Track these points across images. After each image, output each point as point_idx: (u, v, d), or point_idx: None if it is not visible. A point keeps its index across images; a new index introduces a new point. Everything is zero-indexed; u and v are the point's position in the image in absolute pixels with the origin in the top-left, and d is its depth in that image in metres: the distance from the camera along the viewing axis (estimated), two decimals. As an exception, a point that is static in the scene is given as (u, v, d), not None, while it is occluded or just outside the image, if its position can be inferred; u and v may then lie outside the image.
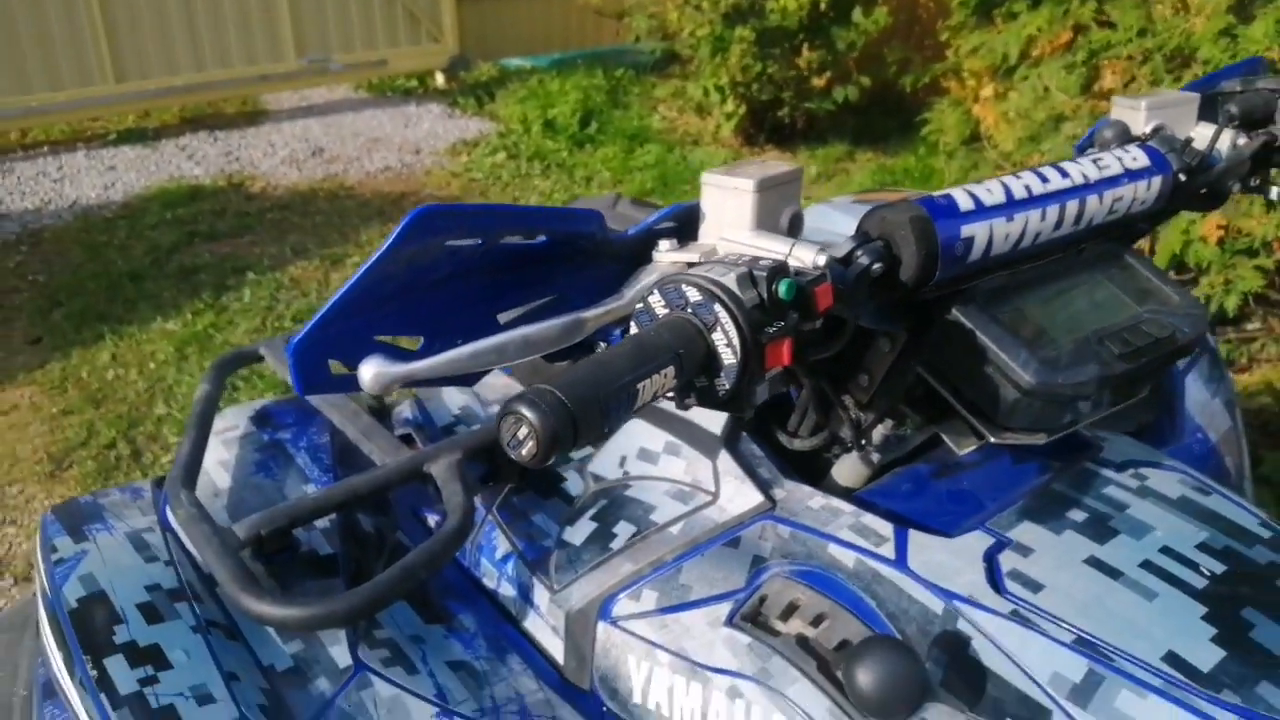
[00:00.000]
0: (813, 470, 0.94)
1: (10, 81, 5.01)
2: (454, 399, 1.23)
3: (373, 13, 5.98)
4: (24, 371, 3.13)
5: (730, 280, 0.52)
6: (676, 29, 4.88)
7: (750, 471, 0.87)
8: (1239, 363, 2.75)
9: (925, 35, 4.90)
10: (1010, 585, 0.71)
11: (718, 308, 0.51)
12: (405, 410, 1.24)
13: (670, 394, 0.53)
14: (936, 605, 0.71)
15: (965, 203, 0.66)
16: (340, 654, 0.82)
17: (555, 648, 0.89)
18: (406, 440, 1.17)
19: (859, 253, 0.63)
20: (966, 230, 0.66)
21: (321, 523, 0.97)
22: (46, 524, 0.96)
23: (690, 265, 0.60)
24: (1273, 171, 0.90)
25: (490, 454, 1.01)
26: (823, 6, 4.66)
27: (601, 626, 0.85)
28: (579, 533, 0.92)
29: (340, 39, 5.92)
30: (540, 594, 0.90)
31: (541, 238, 0.59)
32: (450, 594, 0.95)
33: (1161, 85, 2.34)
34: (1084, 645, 0.66)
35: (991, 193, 0.68)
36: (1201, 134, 0.85)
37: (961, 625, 0.70)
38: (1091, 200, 0.72)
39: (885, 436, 0.88)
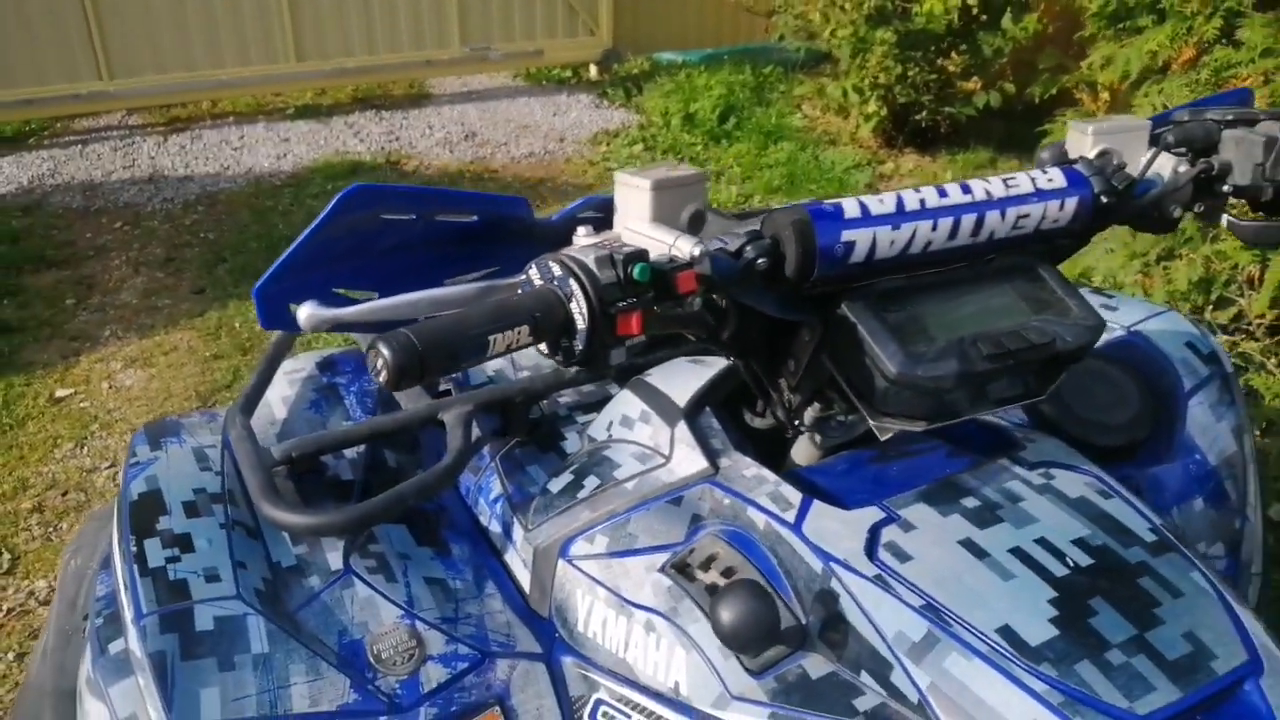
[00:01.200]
0: (782, 449, 1.04)
1: (206, 56, 5.54)
2: (493, 363, 1.38)
3: (534, 5, 6.25)
4: (186, 318, 3.51)
5: (590, 260, 0.63)
6: (819, 28, 4.91)
7: (702, 440, 0.97)
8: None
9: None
10: (883, 554, 0.79)
11: (573, 282, 0.63)
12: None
13: (543, 350, 0.65)
14: (817, 565, 0.81)
15: (852, 210, 0.75)
16: (335, 559, 0.97)
17: (524, 579, 1.02)
18: (446, 393, 1.33)
19: (748, 248, 0.73)
20: (848, 235, 0.74)
21: (352, 454, 1.14)
22: (136, 437, 1.16)
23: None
24: (1231, 200, 0.93)
25: (502, 409, 1.16)
26: (975, 10, 4.59)
27: (561, 563, 0.98)
28: (558, 483, 1.05)
29: (501, 29, 6.22)
30: (518, 532, 1.04)
31: (474, 218, 0.72)
32: (449, 526, 1.10)
33: (1282, 108, 2.25)
34: (929, 610, 0.74)
35: (883, 203, 0.76)
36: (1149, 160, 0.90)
37: (834, 585, 0.79)
38: (992, 216, 0.79)
39: (834, 420, 0.97)
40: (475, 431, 1.19)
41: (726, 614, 0.75)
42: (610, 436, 1.08)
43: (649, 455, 1.00)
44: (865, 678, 0.76)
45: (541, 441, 1.16)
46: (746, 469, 0.93)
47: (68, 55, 5.23)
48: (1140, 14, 2.60)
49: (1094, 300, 1.36)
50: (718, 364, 1.07)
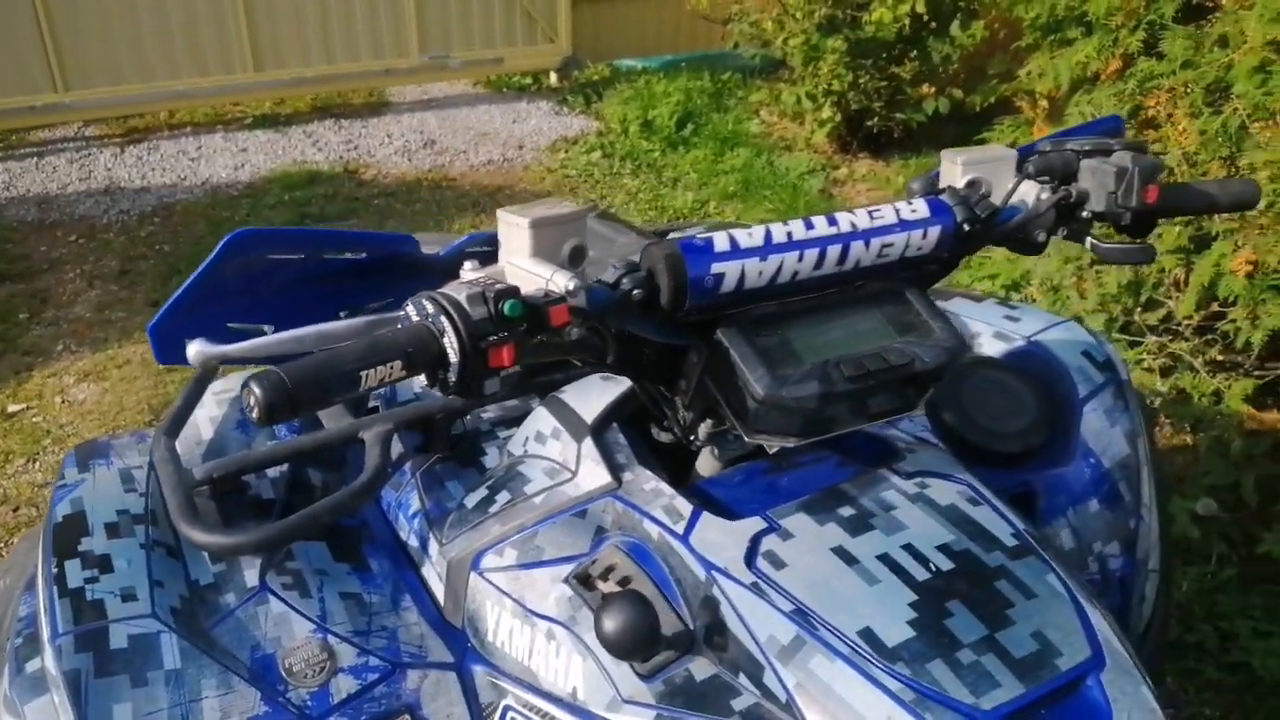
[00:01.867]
0: (690, 463, 1.09)
1: (163, 67, 5.52)
2: (419, 380, 1.42)
3: (492, 13, 6.28)
4: (140, 331, 3.51)
5: (462, 297, 0.68)
6: (773, 36, 4.98)
7: (607, 456, 1.02)
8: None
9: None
10: (760, 562, 0.84)
11: (444, 319, 0.67)
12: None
13: (422, 382, 0.70)
14: (701, 574, 0.86)
15: (722, 244, 0.80)
16: (251, 576, 1.01)
17: (440, 591, 1.07)
18: (375, 410, 1.36)
19: (625, 280, 0.78)
20: (718, 267, 0.80)
21: (275, 473, 1.17)
22: (67, 458, 1.19)
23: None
24: (1097, 225, 0.99)
25: (425, 426, 1.20)
26: (925, 18, 4.68)
27: (472, 576, 1.02)
28: (473, 498, 1.09)
29: (461, 37, 6.24)
30: (433, 546, 1.08)
31: (362, 255, 0.76)
32: (369, 541, 1.14)
33: (1201, 117, 2.34)
34: (799, 615, 0.80)
35: (752, 237, 0.82)
36: (1018, 189, 0.96)
37: (715, 592, 0.84)
38: (857, 246, 0.85)
39: (729, 435, 1.02)
40: (398, 448, 1.23)
41: (608, 623, 0.79)
42: (526, 452, 1.12)
43: (557, 470, 1.05)
44: (742, 679, 0.81)
45: (463, 457, 1.20)
46: (647, 483, 0.98)
47: (23, 68, 5.20)
48: (1069, 26, 2.68)
49: (998, 312, 1.42)
50: (627, 382, 1.11)
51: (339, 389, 0.63)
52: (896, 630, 0.77)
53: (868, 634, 0.77)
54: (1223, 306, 2.48)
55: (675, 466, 1.06)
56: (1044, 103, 3.24)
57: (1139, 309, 2.68)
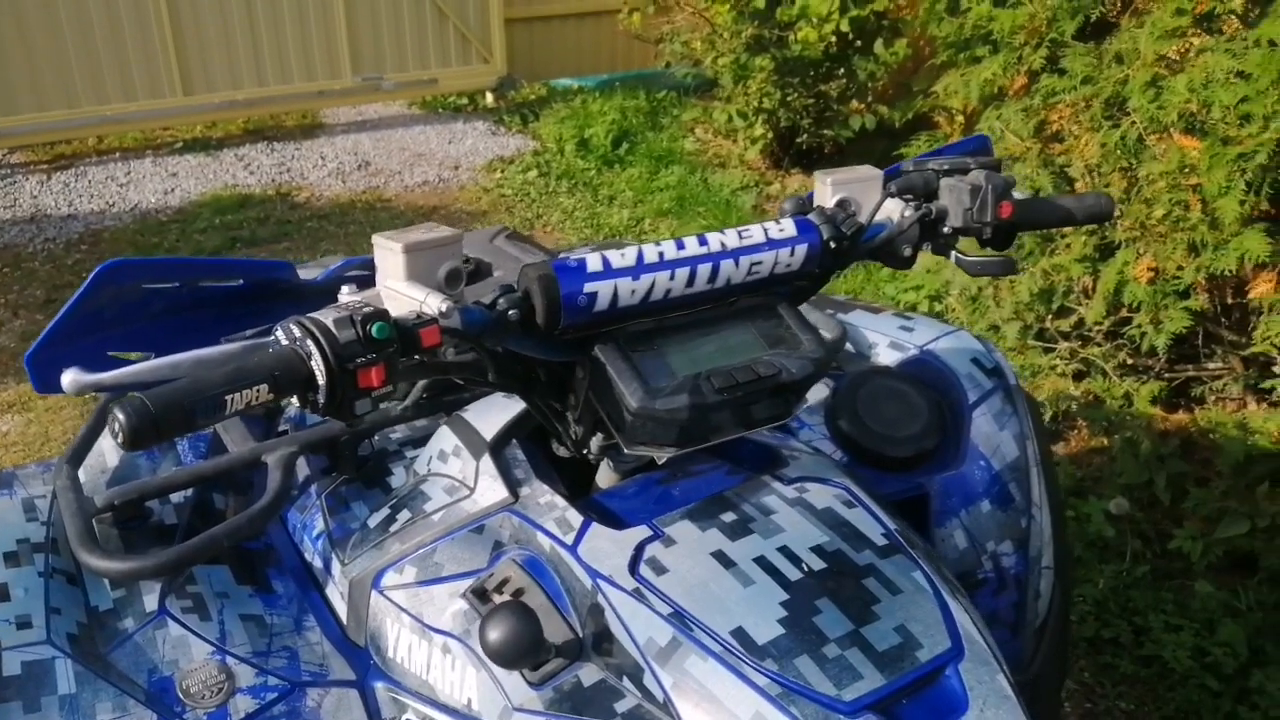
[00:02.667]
0: (590, 476, 1.11)
1: (89, 92, 5.45)
2: None
3: (425, 33, 6.30)
4: (65, 361, 3.46)
5: (329, 321, 0.70)
6: (703, 55, 5.05)
7: (505, 471, 1.04)
8: (1207, 401, 2.80)
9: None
10: (643, 569, 0.87)
11: (310, 342, 0.69)
12: (293, 409, 1.44)
13: (295, 403, 0.72)
14: (588, 582, 0.88)
15: (595, 264, 0.84)
16: (151, 600, 1.02)
17: (343, 611, 1.08)
18: (284, 434, 1.37)
19: (501, 301, 0.81)
20: (590, 287, 0.83)
21: (179, 499, 1.18)
22: None
23: None
24: (961, 239, 1.04)
25: (330, 449, 1.21)
26: (850, 37, 4.79)
27: (374, 594, 1.04)
28: (376, 518, 1.11)
29: (394, 58, 6.25)
30: (336, 566, 1.09)
31: (239, 281, 0.78)
32: (274, 564, 1.15)
33: (1100, 130, 2.44)
34: (676, 618, 0.83)
35: (624, 257, 0.85)
36: (884, 207, 1.01)
37: (600, 599, 0.87)
38: (727, 264, 0.89)
39: (617, 448, 1.05)
40: (305, 470, 1.24)
41: (491, 634, 0.82)
42: (429, 471, 1.14)
43: (457, 487, 1.07)
44: (625, 682, 0.84)
45: (369, 478, 1.22)
46: (542, 496, 1.00)
47: (-58, 94, 5.11)
48: (977, 44, 2.78)
49: (894, 323, 1.47)
50: None
51: (204, 413, 0.65)
52: (767, 628, 0.81)
53: (739, 633, 0.81)
54: (1130, 312, 2.58)
55: (580, 481, 1.09)
56: (960, 118, 3.34)
57: (1051, 316, 2.78)
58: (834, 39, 4.69)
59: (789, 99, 4.83)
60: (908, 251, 1.02)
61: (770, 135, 5.10)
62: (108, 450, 1.27)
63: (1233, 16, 2.23)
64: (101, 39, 5.38)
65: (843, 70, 4.87)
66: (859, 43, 4.83)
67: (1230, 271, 2.23)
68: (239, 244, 4.42)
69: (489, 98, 6.66)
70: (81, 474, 1.15)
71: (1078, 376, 2.85)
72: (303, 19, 5.88)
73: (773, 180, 5.27)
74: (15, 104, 5.28)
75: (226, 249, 4.35)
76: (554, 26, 6.98)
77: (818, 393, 1.34)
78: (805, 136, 5.04)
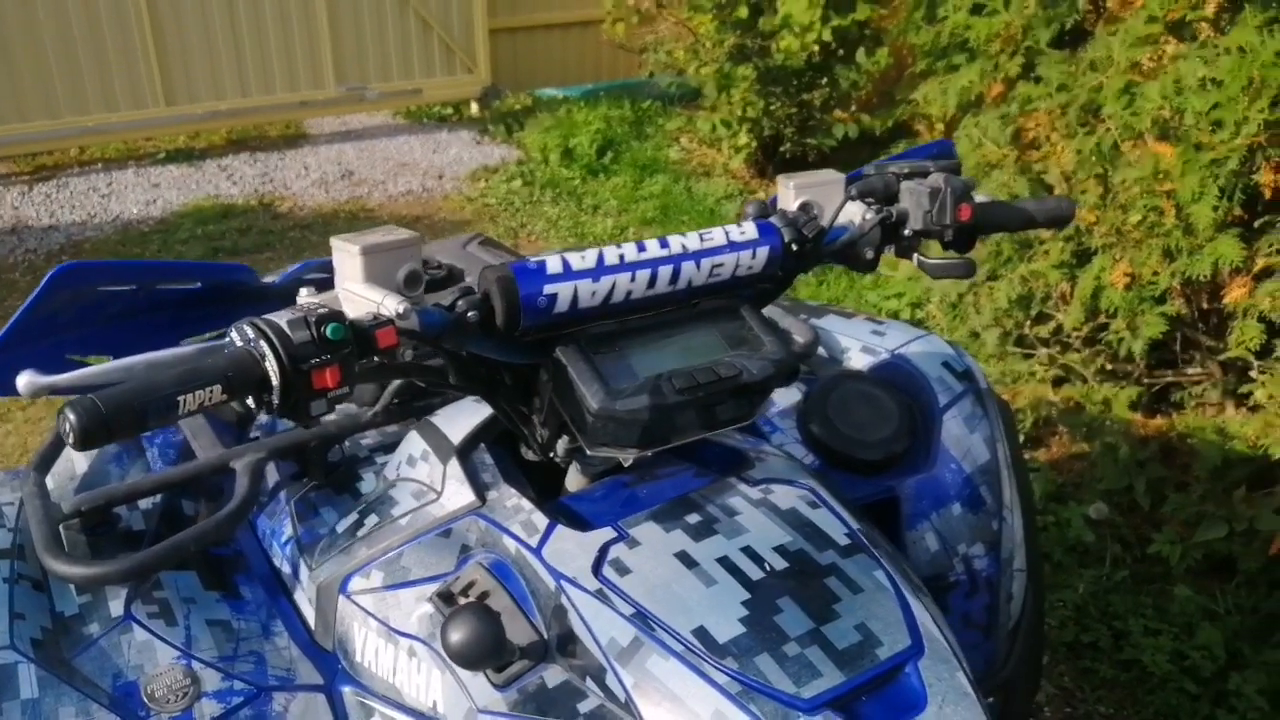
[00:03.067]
0: (561, 480, 1.11)
1: (71, 103, 5.43)
2: None
3: (410, 43, 6.30)
4: (44, 371, 3.44)
5: (284, 322, 0.70)
6: (686, 65, 5.08)
7: (472, 475, 1.04)
8: (1186, 406, 2.82)
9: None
10: (606, 570, 0.87)
11: (264, 343, 0.69)
12: (265, 416, 1.44)
13: (250, 404, 0.72)
14: (552, 584, 0.88)
15: (555, 266, 0.84)
16: (116, 606, 1.01)
17: (311, 616, 1.07)
18: (256, 440, 1.37)
19: (460, 303, 0.81)
20: (550, 289, 0.83)
21: (148, 505, 1.17)
22: None
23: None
24: (923, 242, 1.05)
25: (300, 454, 1.21)
26: (833, 46, 4.82)
27: (341, 599, 1.03)
28: (344, 523, 1.11)
29: (378, 68, 6.25)
30: (304, 572, 1.09)
31: (197, 284, 0.78)
32: (243, 570, 1.14)
33: (1075, 137, 2.45)
34: (638, 618, 0.83)
35: (584, 259, 0.85)
36: (845, 210, 1.02)
37: (564, 601, 0.87)
38: (688, 266, 0.89)
39: (583, 450, 1.05)
40: (275, 476, 1.24)
41: (452, 635, 0.82)
42: (398, 476, 1.14)
43: (424, 492, 1.07)
44: (589, 682, 0.83)
45: (339, 484, 1.21)
46: (509, 500, 1.00)
47: (-78, 105, 5.09)
48: (954, 53, 2.80)
49: (866, 327, 1.48)
50: None
51: (156, 414, 0.64)
52: (728, 627, 0.81)
53: (701, 632, 0.81)
54: (1107, 318, 2.60)
55: (551, 484, 1.09)
56: (940, 126, 3.36)
57: (1030, 322, 2.79)
58: (816, 48, 4.72)
59: (772, 108, 4.85)
60: (870, 254, 1.02)
61: (754, 144, 5.12)
62: (77, 458, 1.26)
63: (1204, 23, 2.25)
64: (83, 49, 5.37)
65: (825, 79, 4.90)
66: (841, 52, 4.86)
67: (1205, 277, 2.25)
68: (221, 254, 4.40)
69: (474, 107, 6.67)
70: (50, 481, 1.14)
71: (1057, 382, 2.86)
72: (286, 29, 5.88)
73: (757, 189, 5.29)
74: (-5, 115, 5.27)
75: (209, 259, 4.34)
76: (538, 36, 7.00)
77: (790, 396, 1.34)
78: (789, 145, 5.06)
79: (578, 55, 7.14)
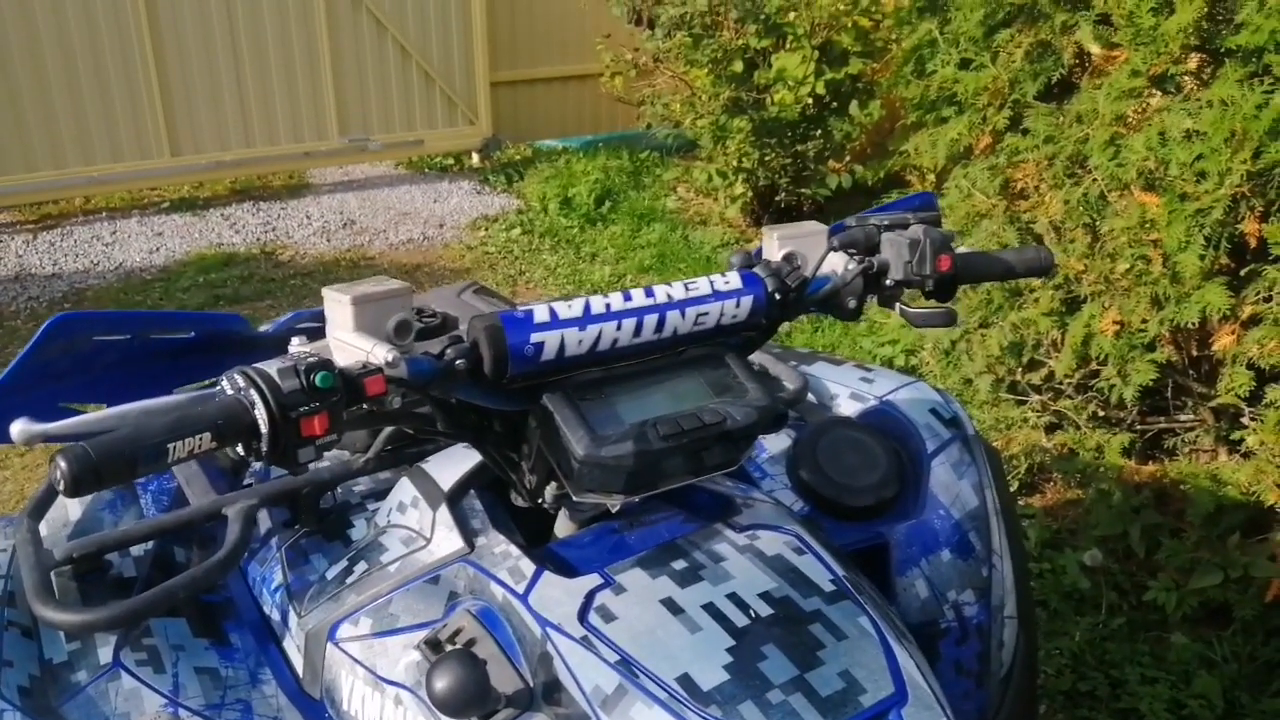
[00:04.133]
0: (548, 526, 1.12)
1: (77, 153, 5.50)
2: None
3: (412, 96, 6.41)
4: (42, 419, 3.45)
5: (273, 371, 0.72)
6: (682, 117, 5.16)
7: (461, 522, 1.05)
8: (1179, 452, 2.82)
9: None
10: (592, 617, 0.88)
11: (254, 391, 0.71)
12: (257, 465, 1.45)
13: (239, 451, 0.73)
14: (537, 631, 0.89)
15: (542, 316, 0.86)
16: (105, 653, 1.02)
17: (299, 663, 1.08)
18: (248, 486, 1.38)
19: (449, 351, 0.83)
20: (537, 337, 0.85)
21: (139, 552, 1.18)
22: None
23: None
24: (905, 292, 1.07)
25: (292, 501, 1.22)
26: (826, 99, 4.90)
27: (329, 647, 1.04)
28: (334, 570, 1.11)
29: (381, 120, 6.34)
30: (293, 619, 1.10)
31: (190, 334, 0.80)
32: (233, 617, 1.15)
33: (1063, 187, 2.49)
34: (623, 665, 0.83)
35: (571, 308, 0.87)
36: (828, 261, 1.04)
37: (549, 648, 0.87)
38: (673, 315, 0.91)
39: (570, 496, 1.06)
40: (266, 523, 1.25)
41: (436, 683, 0.82)
42: (389, 523, 1.15)
43: (414, 538, 1.08)
44: None
45: (330, 531, 1.22)
46: (498, 546, 1.01)
47: (-70, 155, 5.16)
48: (943, 105, 2.85)
49: (855, 374, 1.50)
50: None
51: (146, 461, 0.66)
52: (713, 674, 0.82)
53: (685, 680, 0.81)
54: (1098, 365, 2.62)
55: (541, 531, 1.10)
56: (930, 176, 3.41)
57: (1022, 369, 2.81)
58: (810, 101, 4.80)
59: (767, 158, 4.92)
60: (853, 303, 1.04)
61: (749, 194, 5.19)
62: (70, 505, 1.27)
63: (1187, 77, 2.30)
64: (90, 100, 5.46)
65: (819, 131, 4.98)
66: (835, 104, 4.94)
67: (1194, 324, 2.27)
68: (222, 302, 4.44)
69: (474, 158, 6.76)
70: (44, 528, 1.15)
71: (1050, 429, 2.87)
72: (291, 81, 5.98)
73: (753, 237, 5.34)
74: (3, 164, 5.33)
75: (210, 307, 4.37)
76: (538, 89, 7.12)
77: (779, 443, 1.36)
78: (784, 195, 5.12)
79: (576, 108, 7.26)
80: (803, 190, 5.05)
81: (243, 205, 5.86)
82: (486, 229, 5.52)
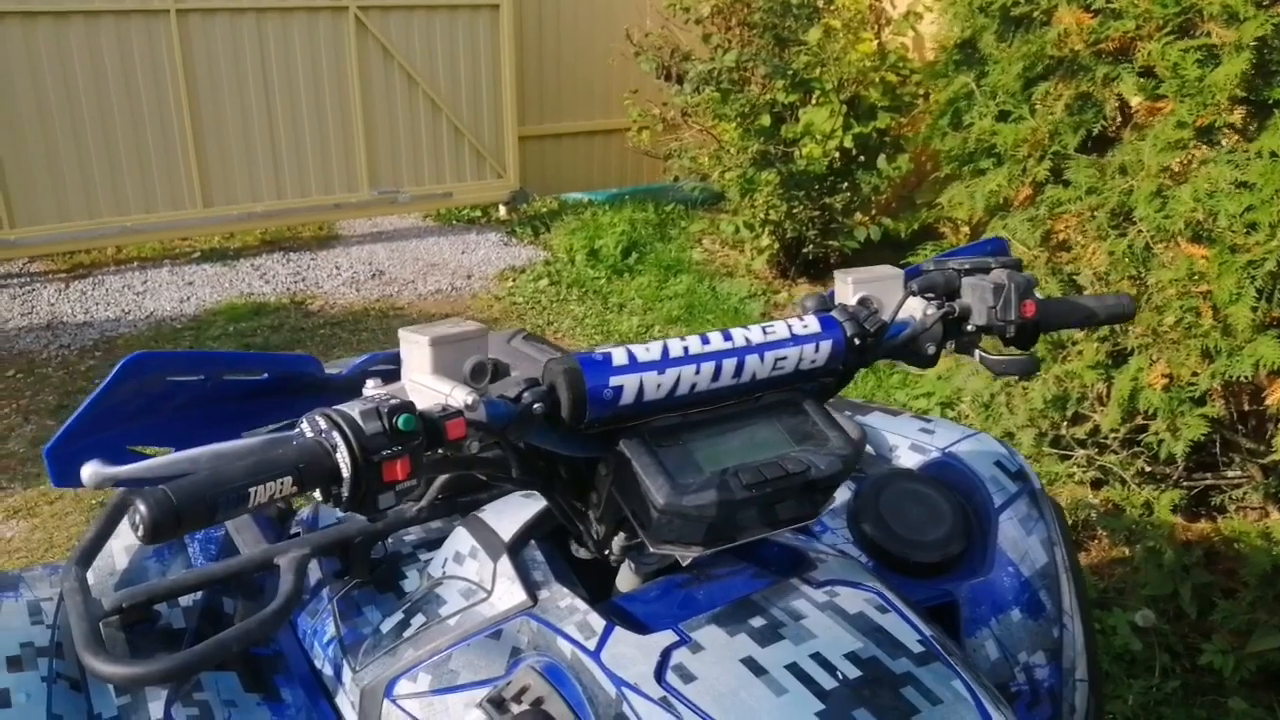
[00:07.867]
0: (611, 579, 1.09)
1: (110, 203, 5.57)
2: None
3: (441, 149, 6.48)
4: (73, 466, 3.44)
5: (356, 413, 0.69)
6: (710, 170, 5.18)
7: (523, 574, 1.02)
8: (1228, 509, 2.76)
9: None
10: (670, 676, 0.84)
11: (337, 434, 0.68)
12: (304, 511, 1.42)
13: (317, 496, 0.70)
14: (611, 690, 0.85)
15: (620, 359, 0.83)
16: (156, 708, 0.98)
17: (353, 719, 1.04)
18: (295, 535, 1.35)
19: (526, 394, 0.80)
20: (616, 380, 0.82)
21: (188, 602, 1.15)
22: None
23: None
24: (984, 338, 1.04)
25: (343, 551, 1.19)
26: (854, 152, 4.92)
27: (386, 703, 1.00)
28: (389, 623, 1.08)
29: (410, 172, 6.41)
30: (346, 674, 1.06)
31: (263, 375, 0.78)
32: (283, 671, 1.11)
33: (1108, 239, 2.47)
34: None
35: (649, 351, 0.85)
36: (906, 305, 1.01)
37: (625, 709, 0.83)
38: (752, 359, 0.88)
39: (640, 548, 1.03)
40: (316, 573, 1.22)
41: None
42: (445, 573, 1.12)
43: (473, 590, 1.04)
44: None
45: (382, 582, 1.19)
46: (562, 600, 0.98)
47: (-33, 205, 5.23)
48: (981, 157, 2.84)
49: (914, 425, 1.46)
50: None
51: (227, 506, 0.63)
52: None
53: None
54: (1145, 419, 2.56)
55: (598, 583, 1.06)
56: (965, 228, 3.39)
57: (1066, 423, 2.76)
58: (838, 154, 4.82)
59: (795, 211, 4.93)
60: (931, 349, 1.01)
61: (777, 246, 5.19)
62: (116, 552, 1.25)
63: (1230, 129, 2.28)
64: (125, 151, 5.54)
65: (846, 184, 4.99)
66: (862, 158, 4.96)
67: (1246, 378, 2.22)
68: (252, 350, 4.45)
69: (502, 210, 6.81)
70: (90, 576, 1.12)
71: (1096, 484, 2.81)
72: (323, 134, 6.06)
73: (780, 289, 5.33)
74: (38, 213, 5.40)
75: (239, 356, 4.38)
76: (565, 143, 7.19)
77: (839, 495, 1.32)
78: (811, 247, 5.12)
79: (603, 161, 7.32)
80: (830, 242, 5.05)
81: (273, 255, 5.90)
82: (514, 279, 5.54)
